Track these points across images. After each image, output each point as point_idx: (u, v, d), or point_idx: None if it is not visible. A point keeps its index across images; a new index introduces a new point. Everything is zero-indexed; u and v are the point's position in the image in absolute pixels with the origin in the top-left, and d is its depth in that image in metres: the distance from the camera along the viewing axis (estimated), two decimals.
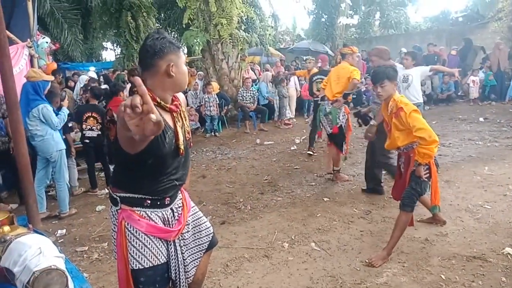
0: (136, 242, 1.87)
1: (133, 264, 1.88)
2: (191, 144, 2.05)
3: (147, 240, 1.88)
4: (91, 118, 5.45)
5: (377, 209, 4.23)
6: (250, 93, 9.72)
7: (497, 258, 3.06)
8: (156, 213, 1.92)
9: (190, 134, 2.03)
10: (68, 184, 4.56)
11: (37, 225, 3.90)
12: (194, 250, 2.15)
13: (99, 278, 3.23)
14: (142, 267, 1.88)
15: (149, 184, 1.87)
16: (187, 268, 2.09)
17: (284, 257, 3.32)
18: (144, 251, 1.88)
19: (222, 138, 8.89)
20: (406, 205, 3.10)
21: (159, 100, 1.79)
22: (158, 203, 1.92)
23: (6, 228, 3.05)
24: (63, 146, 4.57)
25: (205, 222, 2.21)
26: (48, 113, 4.36)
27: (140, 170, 1.83)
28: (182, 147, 1.87)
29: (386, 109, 3.22)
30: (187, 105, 8.54)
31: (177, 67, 1.81)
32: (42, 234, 3.46)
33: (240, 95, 9.77)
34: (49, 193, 5.13)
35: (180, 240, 2.05)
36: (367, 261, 3.12)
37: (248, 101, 9.64)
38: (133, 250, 1.87)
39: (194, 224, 2.15)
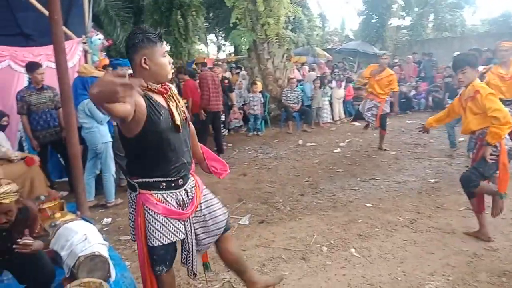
0: (155, 222, 2.05)
1: (153, 241, 2.06)
2: (190, 123, 2.22)
3: (164, 220, 2.06)
4: None
5: (423, 218, 4.04)
6: (295, 94, 9.64)
7: None
8: (171, 195, 2.08)
9: (186, 113, 2.17)
10: (114, 174, 4.72)
11: (85, 213, 4.09)
12: (210, 223, 2.29)
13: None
14: (161, 244, 2.06)
15: (161, 166, 2.03)
16: (202, 242, 2.32)
17: (322, 261, 3.25)
18: (162, 229, 2.06)
19: (265, 138, 8.89)
20: (465, 187, 3.26)
21: (146, 85, 1.95)
22: (173, 184, 2.08)
23: (57, 214, 3.23)
24: (109, 139, 4.72)
25: (217, 202, 2.36)
26: (93, 108, 4.54)
27: (147, 153, 2.00)
28: (179, 123, 2.03)
29: (463, 95, 3.27)
30: (233, 103, 8.62)
31: (151, 60, 1.95)
32: (89, 222, 3.62)
33: (284, 95, 9.71)
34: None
35: (193, 218, 2.23)
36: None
37: (292, 102, 9.56)
38: (152, 229, 2.06)
39: (206, 204, 2.29)
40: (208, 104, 6.89)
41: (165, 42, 2.07)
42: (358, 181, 5.39)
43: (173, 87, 2.22)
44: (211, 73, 7.15)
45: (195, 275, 2.35)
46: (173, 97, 2.09)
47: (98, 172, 4.81)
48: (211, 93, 6.89)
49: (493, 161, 3.08)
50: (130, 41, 1.96)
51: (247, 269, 2.51)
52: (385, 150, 7.03)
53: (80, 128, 4.46)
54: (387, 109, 6.97)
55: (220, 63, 8.83)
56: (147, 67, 1.94)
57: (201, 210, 2.25)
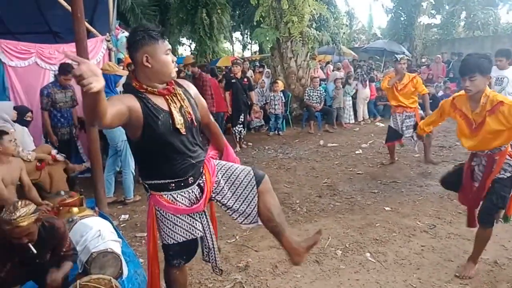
0: (168, 222, 2.08)
1: (168, 240, 2.10)
2: (195, 123, 2.07)
3: (177, 220, 2.08)
4: None
5: (443, 223, 3.93)
6: (317, 93, 9.54)
7: None
8: (182, 194, 2.06)
9: (192, 114, 2.05)
10: (133, 172, 4.79)
11: (104, 209, 4.17)
12: (239, 190, 2.18)
13: None
14: (176, 242, 2.10)
15: (167, 168, 2.00)
16: (246, 212, 2.18)
17: (335, 264, 3.21)
18: (176, 229, 2.08)
19: (285, 137, 8.84)
20: (485, 222, 2.88)
21: (145, 87, 1.93)
22: (182, 184, 2.05)
23: (75, 209, 3.30)
24: None
25: (236, 167, 2.25)
26: None
27: (151, 156, 1.99)
28: (179, 126, 1.95)
29: (469, 105, 2.83)
30: (253, 102, 8.51)
31: (153, 58, 1.90)
32: (107, 218, 3.69)
33: (306, 95, 9.63)
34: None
35: (217, 195, 2.18)
36: (457, 275, 2.94)
37: (315, 101, 9.47)
38: (166, 229, 2.09)
39: (225, 177, 2.20)
40: (218, 106, 6.87)
41: (167, 40, 1.99)
42: (378, 184, 5.29)
43: (190, 84, 2.19)
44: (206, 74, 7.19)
45: (221, 271, 2.34)
46: (177, 97, 2.01)
47: (118, 169, 4.89)
48: (216, 95, 6.90)
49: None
50: (131, 38, 1.91)
51: (284, 231, 2.25)
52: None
53: None
54: (423, 113, 6.02)
55: (239, 61, 8.41)
56: (149, 65, 1.89)
57: (222, 188, 2.17)
